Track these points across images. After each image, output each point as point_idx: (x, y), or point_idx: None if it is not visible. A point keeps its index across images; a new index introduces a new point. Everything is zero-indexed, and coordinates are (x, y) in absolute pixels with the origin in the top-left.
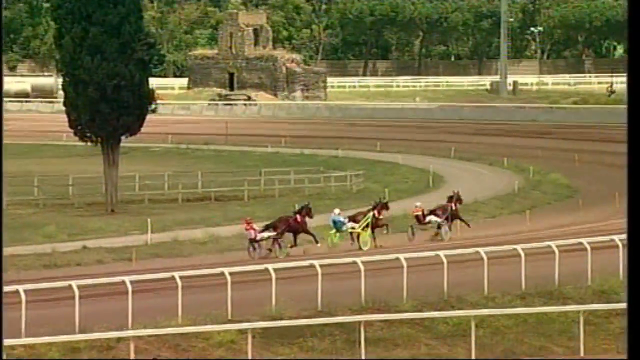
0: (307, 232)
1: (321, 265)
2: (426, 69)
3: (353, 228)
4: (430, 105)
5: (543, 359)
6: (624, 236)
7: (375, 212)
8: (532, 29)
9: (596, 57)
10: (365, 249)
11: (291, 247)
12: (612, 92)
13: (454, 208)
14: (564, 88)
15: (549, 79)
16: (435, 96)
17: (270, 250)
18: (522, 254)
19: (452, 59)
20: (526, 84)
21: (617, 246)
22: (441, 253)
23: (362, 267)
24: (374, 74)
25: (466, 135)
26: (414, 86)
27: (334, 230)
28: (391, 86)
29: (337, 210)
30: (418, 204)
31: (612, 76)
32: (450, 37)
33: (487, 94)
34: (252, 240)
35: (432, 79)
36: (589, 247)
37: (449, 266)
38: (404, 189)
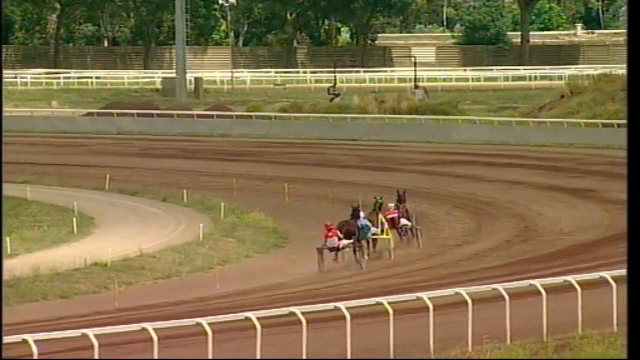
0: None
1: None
2: (67, 59)
3: (376, 234)
4: (74, 113)
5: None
6: (353, 303)
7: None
8: (221, 2)
9: (313, 45)
10: (392, 258)
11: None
12: (336, 94)
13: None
14: (268, 88)
15: (246, 74)
16: (81, 99)
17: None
18: (210, 332)
19: (106, 44)
20: (215, 83)
21: (344, 317)
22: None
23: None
24: None
25: (128, 157)
26: (49, 84)
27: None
28: (14, 84)
29: (362, 214)
30: (392, 205)
31: (335, 72)
32: (103, 13)
33: (159, 95)
34: (333, 249)
35: (76, 74)
36: (304, 321)
37: None
38: (35, 237)
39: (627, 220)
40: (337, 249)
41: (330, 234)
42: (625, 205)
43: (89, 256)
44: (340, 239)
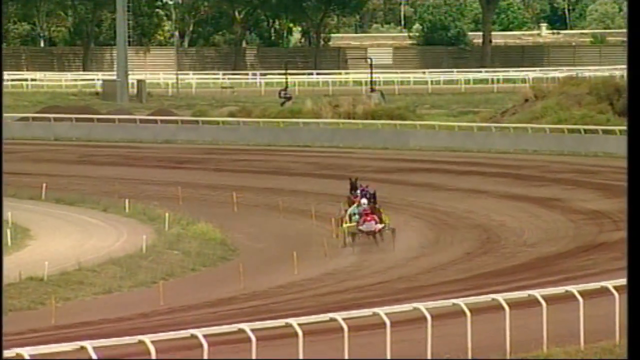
0: None
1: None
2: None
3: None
4: (7, 117)
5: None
6: (305, 319)
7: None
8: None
9: (262, 45)
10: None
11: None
12: (288, 98)
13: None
14: (215, 91)
15: (192, 77)
16: (15, 103)
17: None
18: (154, 350)
19: (42, 44)
20: (159, 85)
21: (296, 334)
22: None
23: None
24: None
25: (66, 164)
26: None
27: (352, 224)
28: None
29: (364, 200)
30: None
31: (286, 74)
32: (38, 11)
33: (99, 99)
34: (370, 233)
35: (9, 76)
36: (253, 338)
37: None
38: None
39: (627, 221)
40: (374, 233)
41: (369, 218)
42: (591, 215)
43: (24, 270)
44: (376, 223)
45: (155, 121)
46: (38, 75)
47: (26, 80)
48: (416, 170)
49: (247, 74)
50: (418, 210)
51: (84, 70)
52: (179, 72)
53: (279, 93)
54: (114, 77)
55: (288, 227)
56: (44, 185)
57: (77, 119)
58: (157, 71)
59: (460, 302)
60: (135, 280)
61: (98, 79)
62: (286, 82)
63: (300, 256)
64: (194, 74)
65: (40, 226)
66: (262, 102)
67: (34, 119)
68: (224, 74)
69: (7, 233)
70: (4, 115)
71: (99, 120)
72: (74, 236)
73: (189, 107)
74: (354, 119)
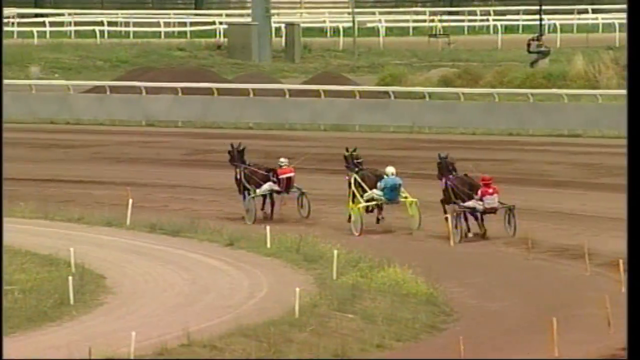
0: None
1: None
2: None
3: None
4: (69, 87)
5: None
6: None
7: None
8: None
9: None
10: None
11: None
12: (543, 52)
13: None
14: (419, 42)
15: (378, 18)
16: (82, 62)
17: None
18: None
19: None
20: (323, 33)
21: None
22: None
23: None
24: None
25: (166, 165)
26: (24, 35)
27: (369, 203)
28: None
29: (392, 169)
30: (284, 160)
31: (540, 13)
32: None
33: (221, 56)
34: (492, 211)
35: (73, 18)
36: None
37: None
38: None
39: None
40: (495, 210)
41: (490, 190)
42: None
43: (97, 344)
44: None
45: (317, 93)
46: (120, 17)
47: (101, 24)
48: None
49: (473, 14)
50: None
51: (196, 9)
52: (355, 10)
53: (528, 45)
54: (248, 20)
55: (541, 275)
56: (130, 201)
57: (185, 90)
58: (319, 9)
59: None
60: None
61: (220, 23)
62: (540, 27)
63: (563, 324)
64: (380, 13)
65: (124, 272)
66: (499, 60)
67: (112, 89)
68: (432, 14)
69: (69, 283)
70: (65, 82)
71: (221, 91)
72: (179, 288)
73: (372, 69)
74: None
